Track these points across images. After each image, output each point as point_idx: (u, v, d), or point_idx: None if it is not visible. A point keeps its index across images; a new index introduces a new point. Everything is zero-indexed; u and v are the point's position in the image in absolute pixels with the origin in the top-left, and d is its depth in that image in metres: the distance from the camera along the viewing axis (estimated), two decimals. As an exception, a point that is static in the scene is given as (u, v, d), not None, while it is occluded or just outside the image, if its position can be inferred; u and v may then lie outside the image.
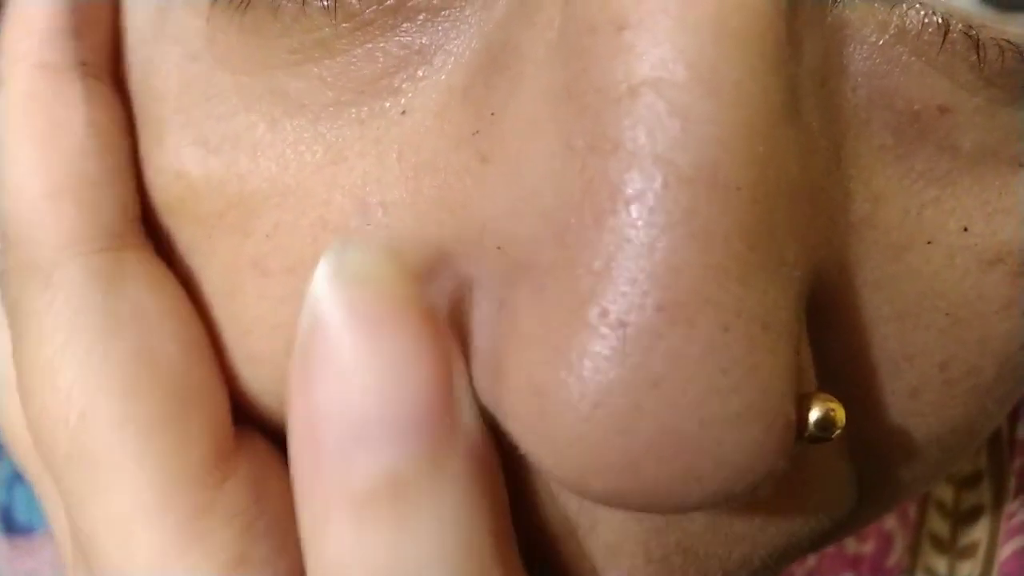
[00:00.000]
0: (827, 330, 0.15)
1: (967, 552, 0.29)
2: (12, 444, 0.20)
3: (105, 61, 0.18)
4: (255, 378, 0.17)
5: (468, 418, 0.15)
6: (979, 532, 0.29)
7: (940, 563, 0.29)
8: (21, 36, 0.17)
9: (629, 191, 0.13)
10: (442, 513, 0.14)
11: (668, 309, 0.12)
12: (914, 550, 0.30)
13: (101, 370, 0.16)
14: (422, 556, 0.14)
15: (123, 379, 0.16)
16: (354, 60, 0.15)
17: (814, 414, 0.14)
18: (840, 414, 0.14)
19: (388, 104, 0.15)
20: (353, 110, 0.15)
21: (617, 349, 0.13)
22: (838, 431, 0.14)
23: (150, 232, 0.18)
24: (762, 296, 0.13)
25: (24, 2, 0.18)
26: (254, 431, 0.18)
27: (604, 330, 0.13)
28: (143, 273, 0.17)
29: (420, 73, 0.15)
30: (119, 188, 0.17)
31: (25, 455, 0.20)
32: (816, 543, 0.18)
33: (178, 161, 0.17)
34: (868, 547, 0.30)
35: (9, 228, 0.17)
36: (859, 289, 0.15)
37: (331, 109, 0.15)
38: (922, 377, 0.16)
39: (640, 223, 0.12)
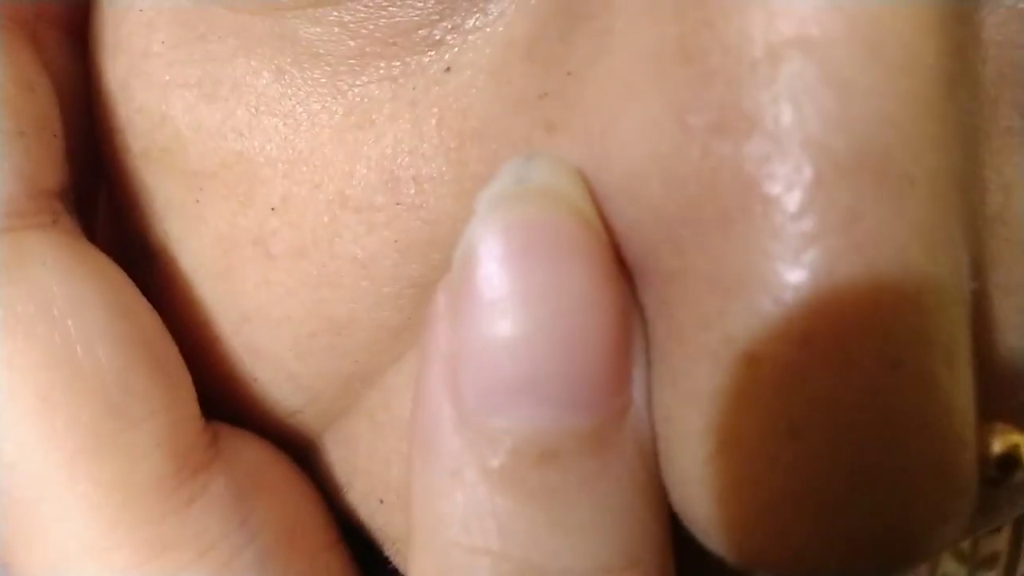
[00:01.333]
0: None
1: (988, 562, 0.29)
2: None
3: (19, 8, 0.15)
4: (254, 375, 0.15)
5: (640, 396, 0.12)
6: (1000, 542, 0.29)
7: (960, 572, 0.29)
8: None
9: (768, 187, 0.10)
10: (606, 507, 0.11)
11: (816, 343, 0.10)
12: (933, 559, 0.29)
13: (6, 381, 0.13)
14: (570, 558, 0.11)
15: (35, 390, 0.13)
16: (386, 4, 0.13)
17: (995, 447, 0.12)
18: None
19: (428, 59, 0.13)
20: (382, 64, 0.13)
21: (747, 391, 0.10)
22: (1022, 471, 0.12)
23: (121, 183, 0.15)
24: (946, 321, 0.10)
25: None
26: (242, 433, 0.15)
27: (730, 364, 0.10)
28: (55, 256, 0.14)
29: (471, 23, 0.12)
30: (19, 156, 0.14)
31: None
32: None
33: (164, 102, 0.14)
34: None
35: None
36: (991, 295, 0.13)
37: (353, 62, 0.13)
38: None
39: (783, 230, 0.10)
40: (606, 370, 0.11)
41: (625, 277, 0.12)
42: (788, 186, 0.10)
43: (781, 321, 0.10)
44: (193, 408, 0.15)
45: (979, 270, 0.13)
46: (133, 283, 0.15)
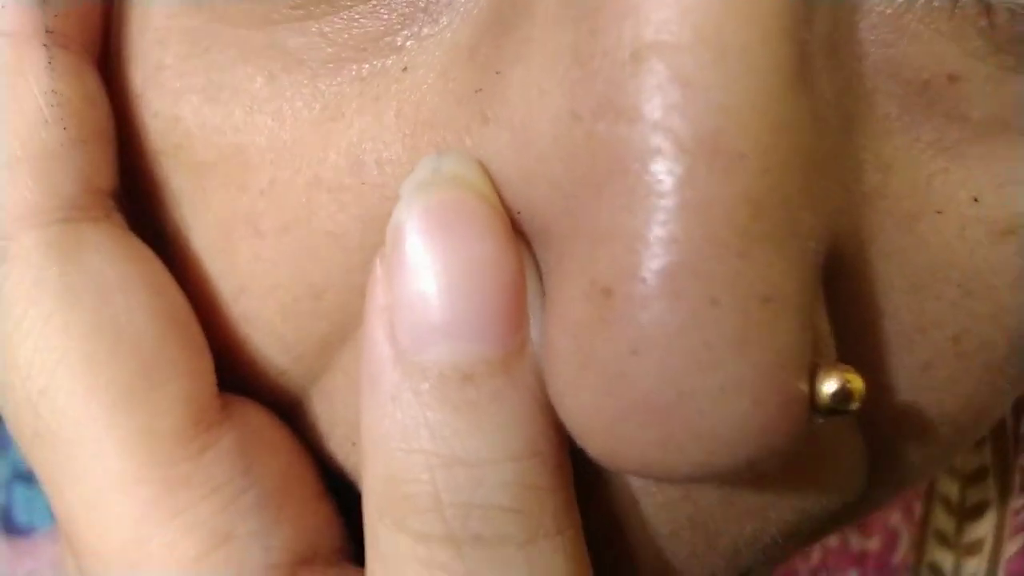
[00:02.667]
0: (841, 301, 0.15)
1: (973, 548, 0.29)
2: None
3: (76, 28, 0.17)
4: (249, 340, 0.17)
5: (537, 334, 0.14)
6: (984, 528, 0.29)
7: (946, 559, 0.30)
8: None
9: (627, 159, 0.12)
10: (509, 415, 0.14)
11: (655, 280, 0.12)
12: (919, 546, 0.30)
13: (60, 343, 0.16)
14: (485, 451, 0.14)
15: (83, 351, 0.16)
16: (357, 16, 0.15)
17: (829, 386, 0.13)
18: (859, 384, 0.13)
19: (390, 62, 0.15)
20: (354, 67, 0.15)
21: (603, 317, 0.13)
22: (857, 403, 0.13)
23: (142, 177, 0.18)
24: (766, 268, 0.12)
25: None
26: (248, 402, 0.18)
27: (595, 298, 0.13)
28: (106, 244, 0.17)
29: (425, 31, 0.15)
30: (82, 159, 0.17)
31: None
32: (826, 523, 0.18)
33: (175, 106, 0.16)
34: (873, 543, 0.30)
35: None
36: (872, 260, 0.15)
37: (331, 66, 0.15)
38: (935, 350, 0.16)
39: (636, 192, 0.12)
40: (506, 312, 0.14)
41: (523, 241, 0.15)
42: (640, 158, 0.12)
43: (629, 263, 0.12)
44: (211, 376, 0.17)
45: (857, 237, 0.15)
46: (166, 268, 0.18)
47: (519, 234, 0.14)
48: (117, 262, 0.17)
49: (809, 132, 0.13)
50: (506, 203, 0.14)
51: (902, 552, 0.30)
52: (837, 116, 0.14)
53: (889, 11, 0.14)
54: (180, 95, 0.17)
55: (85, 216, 0.17)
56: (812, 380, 0.13)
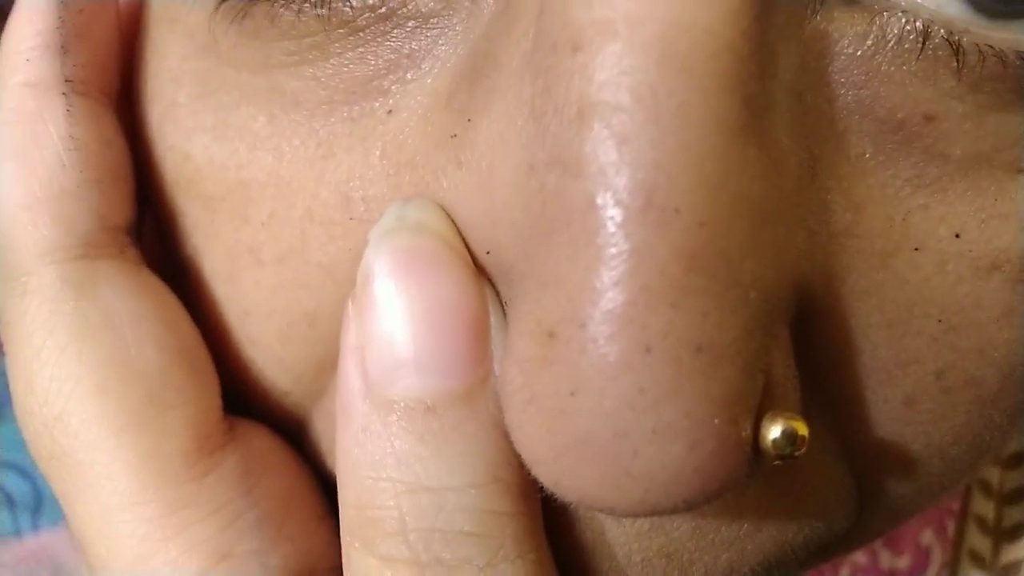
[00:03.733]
0: (816, 340, 0.15)
1: (1010, 570, 0.28)
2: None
3: (94, 75, 0.18)
4: (253, 360, 0.18)
5: (499, 367, 0.15)
6: (1022, 550, 0.28)
7: (981, 580, 0.29)
8: (10, 54, 0.18)
9: (572, 212, 0.13)
10: (471, 444, 0.15)
11: (590, 326, 0.13)
12: (952, 566, 0.29)
13: (74, 371, 0.17)
14: (448, 477, 0.15)
15: (96, 379, 0.17)
16: (347, 63, 0.16)
17: (774, 432, 0.14)
18: (803, 430, 0.14)
19: (377, 104, 0.16)
20: (345, 109, 0.16)
21: (546, 357, 0.13)
22: (801, 449, 0.14)
23: (161, 208, 0.19)
24: (700, 319, 0.13)
25: (16, 20, 0.18)
26: (255, 425, 0.19)
27: (540, 339, 0.13)
28: (119, 279, 0.18)
29: (409, 76, 0.15)
30: (97, 199, 0.18)
31: None
32: (813, 553, 0.18)
33: (187, 143, 0.17)
34: (904, 562, 0.29)
35: None
36: (846, 298, 0.15)
37: (324, 107, 0.16)
38: (917, 385, 0.16)
39: (577, 243, 0.13)
40: (468, 348, 0.15)
41: (489, 280, 0.15)
42: (582, 211, 0.13)
43: (570, 308, 0.13)
44: (216, 401, 0.18)
45: (828, 278, 0.15)
46: (178, 301, 0.19)
47: (486, 273, 0.15)
48: (129, 297, 0.18)
49: (758, 182, 0.13)
50: (476, 242, 0.15)
51: (934, 571, 0.29)
52: (799, 161, 0.14)
53: (858, 53, 0.14)
54: (192, 132, 0.17)
55: (100, 253, 0.18)
56: (756, 425, 0.14)
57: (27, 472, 0.43)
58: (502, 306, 0.15)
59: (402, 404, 0.15)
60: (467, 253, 0.15)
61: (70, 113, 0.18)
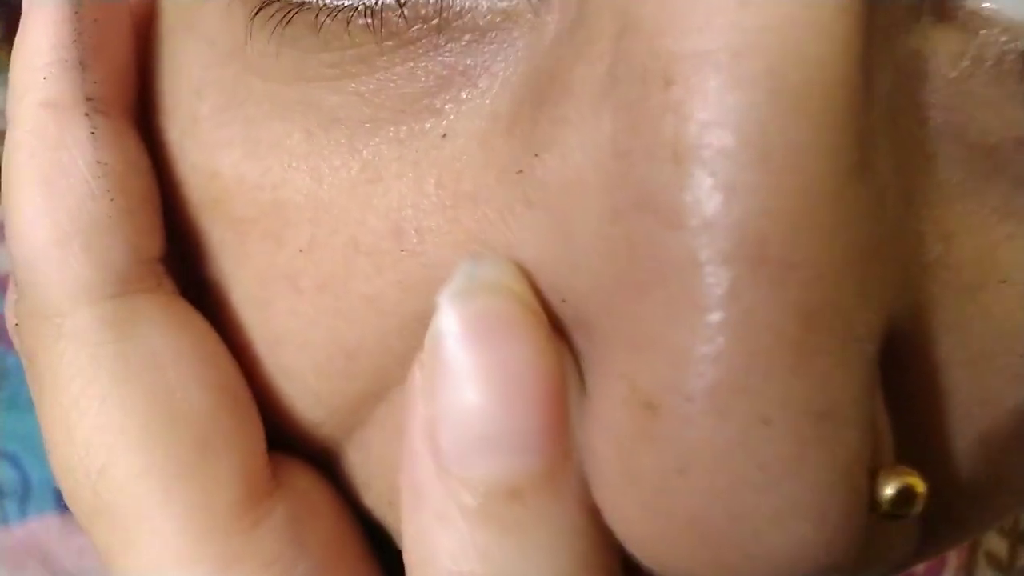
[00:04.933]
0: (897, 377, 0.14)
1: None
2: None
3: (115, 91, 0.17)
4: (284, 392, 0.17)
5: (580, 438, 0.14)
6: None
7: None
8: (24, 70, 0.17)
9: (669, 267, 0.12)
10: (558, 531, 0.14)
11: (701, 398, 0.12)
12: (968, 568, 0.29)
13: (117, 420, 0.16)
14: (538, 570, 0.13)
15: (141, 427, 0.16)
16: (394, 78, 0.14)
17: (889, 490, 0.13)
18: (920, 488, 0.13)
19: (428, 125, 0.14)
20: (391, 128, 0.15)
21: (648, 431, 0.12)
22: (919, 507, 0.13)
23: (181, 228, 0.18)
24: (821, 382, 0.12)
25: (28, 32, 0.17)
26: (296, 463, 0.18)
27: (638, 410, 0.12)
28: (158, 316, 0.17)
29: (464, 95, 0.14)
30: (130, 229, 0.17)
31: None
32: None
33: (213, 160, 0.16)
34: (920, 565, 0.29)
35: (20, 275, 0.17)
36: (931, 333, 0.14)
37: (368, 126, 0.15)
38: (994, 423, 0.15)
39: (679, 303, 0.12)
40: (551, 421, 0.13)
41: (564, 341, 0.14)
42: (682, 267, 0.12)
43: (673, 378, 0.12)
44: (262, 444, 0.17)
45: (921, 314, 0.14)
46: (216, 334, 0.17)
47: (560, 324, 0.14)
48: (170, 335, 0.17)
49: (866, 223, 0.12)
50: (550, 289, 0.14)
51: (950, 573, 0.29)
52: (897, 191, 0.13)
53: (954, 74, 0.13)
54: (217, 148, 0.16)
55: (137, 288, 0.17)
56: (872, 484, 0.13)
57: (15, 460, 0.42)
58: (578, 366, 0.14)
59: (482, 488, 0.13)
60: (544, 314, 0.14)
61: (95, 136, 0.17)
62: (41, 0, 0.17)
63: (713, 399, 0.12)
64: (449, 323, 0.14)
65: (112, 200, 0.16)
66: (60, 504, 0.36)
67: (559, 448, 0.14)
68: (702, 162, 0.11)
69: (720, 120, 0.11)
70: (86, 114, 0.16)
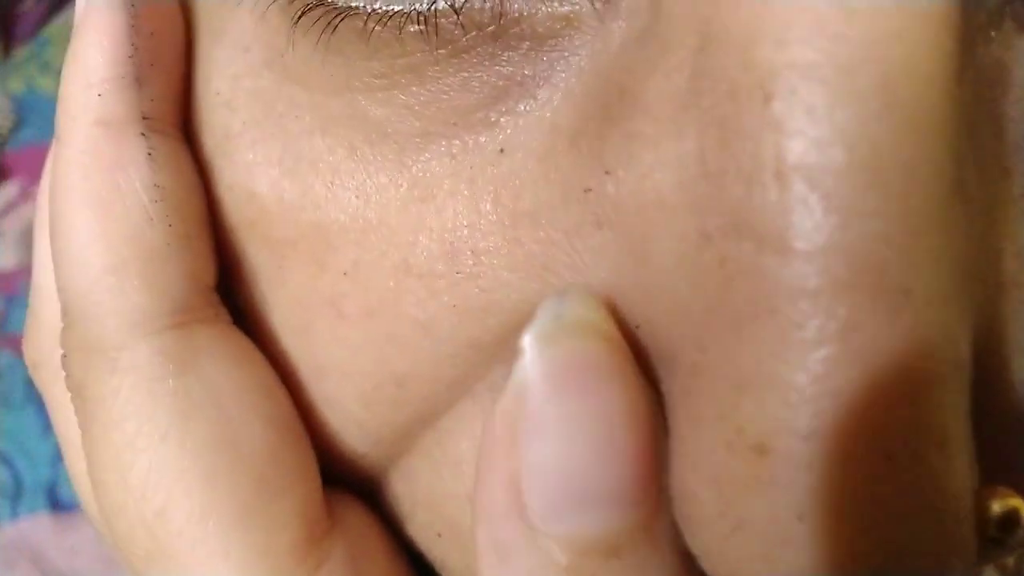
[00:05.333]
0: (977, 403, 0.13)
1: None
2: (88, 514, 0.19)
3: (171, 109, 0.16)
4: (328, 422, 0.16)
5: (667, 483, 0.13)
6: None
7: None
8: (79, 87, 0.16)
9: (776, 297, 0.11)
10: None
11: (819, 438, 0.11)
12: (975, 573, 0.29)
13: (177, 461, 0.15)
14: None
15: (202, 468, 0.15)
16: (447, 89, 0.14)
17: (995, 510, 0.12)
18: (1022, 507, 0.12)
19: (484, 139, 0.14)
20: (444, 143, 0.14)
21: (759, 477, 0.11)
22: (1022, 531, 0.12)
23: (221, 251, 0.17)
24: (939, 413, 0.11)
25: (81, 45, 0.16)
26: (348, 498, 0.17)
27: (745, 454, 0.11)
28: (218, 348, 0.16)
29: (522, 107, 0.13)
30: (188, 256, 0.16)
31: (103, 531, 0.18)
32: None
33: (250, 180, 0.15)
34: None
35: (70, 303, 0.16)
36: (1004, 353, 0.13)
37: (418, 140, 0.14)
38: None
39: (789, 337, 0.11)
40: (644, 471, 0.13)
41: (649, 375, 0.13)
42: (792, 297, 0.11)
43: (786, 418, 0.11)
44: (319, 479, 0.16)
45: (993, 332, 0.13)
46: (270, 365, 0.17)
47: (637, 355, 0.13)
48: (231, 368, 0.16)
49: (963, 243, 0.12)
50: (624, 316, 0.13)
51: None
52: (980, 208, 0.13)
53: None
54: (254, 166, 0.15)
55: (196, 318, 0.16)
56: (978, 509, 0.12)
57: (7, 459, 0.41)
58: (660, 404, 0.13)
59: (576, 545, 0.13)
60: (632, 355, 0.13)
61: (152, 157, 0.16)
62: (97, 10, 0.16)
63: (836, 438, 0.11)
64: (536, 371, 0.13)
65: (170, 226, 0.16)
66: (52, 504, 0.36)
67: (654, 498, 0.13)
68: (812, 183, 0.11)
69: (831, 138, 0.11)
70: (142, 134, 0.16)
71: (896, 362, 0.11)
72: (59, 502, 0.36)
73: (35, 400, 0.39)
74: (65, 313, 0.16)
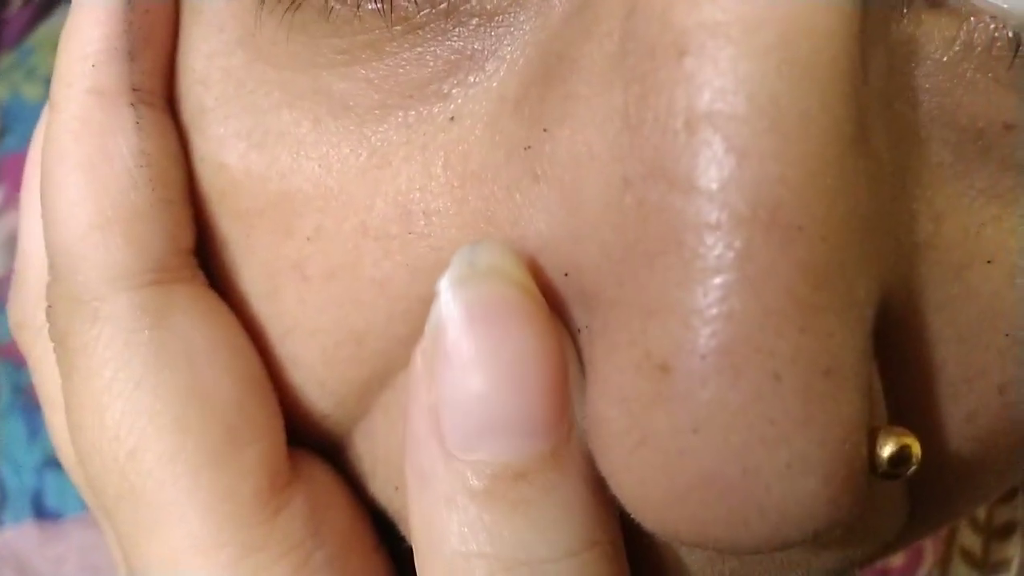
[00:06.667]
0: (889, 353, 0.15)
1: (999, 567, 0.29)
2: (66, 468, 0.20)
3: (159, 83, 0.17)
4: (291, 382, 0.17)
5: (581, 421, 0.14)
6: (1012, 548, 0.29)
7: (971, 579, 0.29)
8: (75, 58, 0.17)
9: (682, 231, 0.12)
10: (564, 509, 0.14)
11: (714, 356, 0.12)
12: (944, 564, 0.30)
13: (150, 406, 0.16)
14: (545, 549, 0.14)
15: (173, 414, 0.16)
16: (403, 63, 0.15)
17: (887, 450, 0.13)
18: (916, 448, 0.13)
19: (436, 109, 0.15)
20: (400, 114, 0.15)
21: (661, 392, 0.12)
22: (914, 466, 0.13)
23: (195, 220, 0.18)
24: (826, 340, 0.12)
25: (79, 19, 0.17)
26: (310, 454, 0.18)
27: (650, 373, 0.12)
28: (193, 306, 0.17)
29: (471, 79, 0.14)
30: (169, 220, 0.17)
31: (79, 482, 0.19)
32: (862, 563, 0.18)
33: (220, 152, 0.16)
34: (898, 560, 0.30)
35: (56, 259, 0.17)
36: (921, 311, 0.15)
37: (377, 112, 0.15)
38: (980, 400, 0.15)
39: (692, 265, 0.12)
40: (553, 403, 0.14)
41: (564, 321, 0.14)
42: (696, 230, 0.12)
43: (687, 339, 0.12)
44: (283, 434, 0.17)
45: (911, 291, 0.14)
46: (242, 326, 0.18)
47: (561, 303, 0.14)
48: (204, 324, 0.17)
49: (865, 193, 0.13)
50: (553, 264, 0.14)
51: (926, 569, 0.30)
52: (891, 169, 0.14)
53: (945, 59, 0.14)
54: (225, 140, 0.16)
55: (173, 277, 0.17)
56: (870, 444, 0.13)
57: (-8, 467, 0.41)
58: (576, 344, 0.14)
59: (488, 471, 0.14)
60: (543, 298, 0.14)
61: (139, 125, 0.17)
62: None
63: (727, 357, 0.12)
64: (450, 310, 0.14)
65: (153, 190, 0.17)
66: (37, 512, 0.36)
67: (563, 428, 0.14)
68: (715, 128, 0.12)
69: (734, 88, 0.12)
70: (131, 104, 0.17)
71: (787, 291, 0.12)
72: (45, 511, 0.36)
73: (20, 408, 0.39)
74: (52, 268, 0.17)
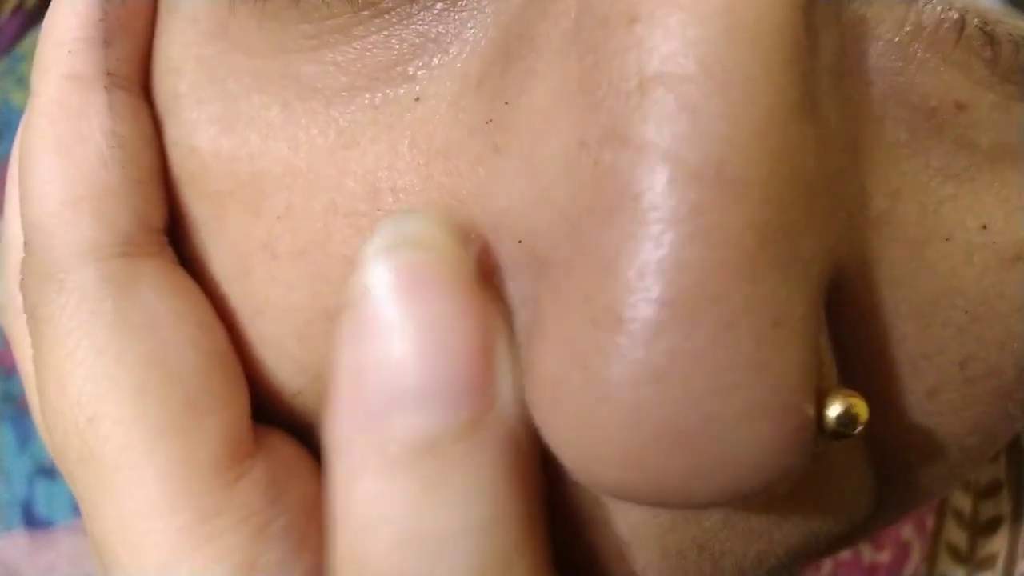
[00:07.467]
0: (846, 327, 0.15)
1: (985, 563, 0.29)
2: (38, 426, 0.20)
3: (134, 70, 0.18)
4: (263, 361, 0.17)
5: (508, 394, 0.14)
6: (998, 544, 0.29)
7: (958, 573, 0.29)
8: (52, 45, 0.18)
9: (636, 187, 0.12)
10: (473, 482, 0.14)
11: (671, 305, 0.12)
12: (931, 560, 0.30)
13: (111, 373, 0.16)
14: (448, 521, 0.14)
15: (133, 382, 0.16)
16: (370, 47, 0.15)
17: (834, 409, 0.13)
18: (862, 409, 0.14)
19: (402, 91, 0.15)
20: (367, 95, 0.15)
21: (619, 345, 0.12)
22: (860, 427, 0.14)
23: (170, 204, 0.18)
24: (773, 292, 0.13)
25: (58, 10, 0.18)
26: (278, 432, 0.18)
27: (607, 326, 0.13)
28: (159, 280, 0.17)
29: (435, 61, 0.15)
30: (139, 198, 0.17)
31: (45, 436, 0.19)
32: (833, 544, 0.18)
33: (192, 136, 0.17)
34: (885, 556, 0.30)
35: (30, 235, 0.17)
36: (878, 285, 0.15)
37: (344, 94, 0.15)
38: (941, 376, 0.16)
39: (646, 219, 0.12)
40: (473, 372, 0.14)
41: (498, 290, 0.14)
42: (650, 185, 0.12)
43: (642, 288, 0.12)
44: (247, 408, 0.17)
45: (865, 263, 0.15)
46: (209, 303, 0.18)
47: (505, 272, 0.14)
48: (168, 297, 0.17)
49: (812, 158, 0.13)
50: (509, 231, 0.14)
51: (913, 565, 0.30)
52: (843, 141, 0.14)
53: (896, 39, 0.14)
54: (196, 125, 0.17)
55: (140, 252, 0.17)
56: (818, 404, 0.13)
57: (-18, 475, 0.41)
58: (510, 316, 0.14)
59: (402, 439, 0.14)
60: (472, 267, 0.14)
61: (113, 109, 0.17)
62: None
63: (684, 306, 0.12)
64: (373, 276, 0.14)
65: (123, 169, 0.17)
66: (28, 521, 0.36)
67: (483, 399, 0.14)
68: (666, 87, 0.12)
69: (684, 51, 0.12)
70: (106, 88, 0.17)
71: (735, 244, 0.12)
72: (35, 519, 0.36)
73: (10, 416, 0.39)
74: (26, 244, 0.18)
